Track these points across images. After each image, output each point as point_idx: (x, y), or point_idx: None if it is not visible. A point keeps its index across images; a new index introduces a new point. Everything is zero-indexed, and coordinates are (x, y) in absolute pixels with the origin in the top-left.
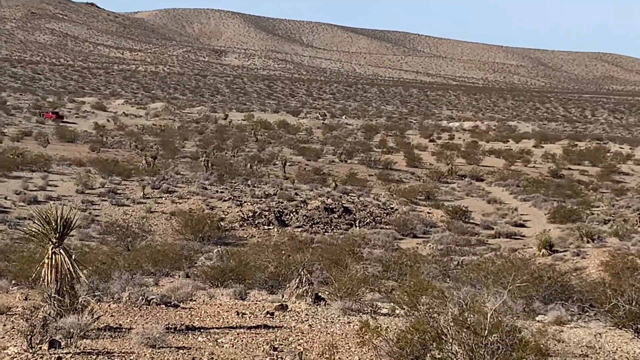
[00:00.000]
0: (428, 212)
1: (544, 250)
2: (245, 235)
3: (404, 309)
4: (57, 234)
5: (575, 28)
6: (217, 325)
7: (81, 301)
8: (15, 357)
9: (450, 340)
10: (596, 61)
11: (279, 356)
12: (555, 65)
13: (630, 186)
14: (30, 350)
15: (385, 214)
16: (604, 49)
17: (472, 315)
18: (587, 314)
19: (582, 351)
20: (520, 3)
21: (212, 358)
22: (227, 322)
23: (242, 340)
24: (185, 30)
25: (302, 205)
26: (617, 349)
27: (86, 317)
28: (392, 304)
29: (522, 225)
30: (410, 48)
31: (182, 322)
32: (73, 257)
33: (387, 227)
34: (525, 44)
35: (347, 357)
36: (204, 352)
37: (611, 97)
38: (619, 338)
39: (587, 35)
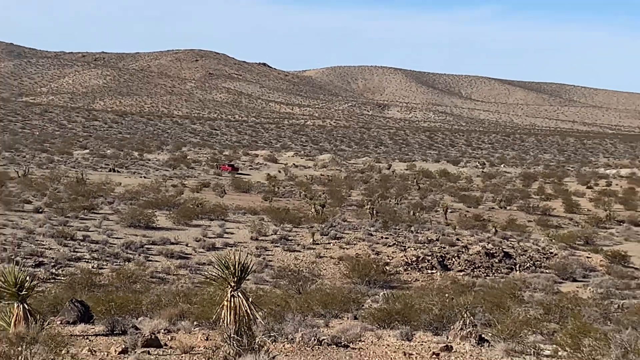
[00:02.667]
0: (587, 257)
1: None
2: (409, 279)
3: (566, 350)
4: (235, 278)
5: None
6: None
7: (258, 341)
8: None
9: None
10: None
11: None
12: None
13: None
14: None
15: (545, 259)
16: None
17: (635, 357)
18: None
19: None
20: None
21: None
22: None
23: None
24: (350, 86)
25: (464, 250)
26: None
27: (263, 357)
28: (554, 345)
29: None
30: (566, 99)
31: None
32: (250, 299)
33: (547, 271)
34: None
35: None
36: None
37: None
38: None
39: None
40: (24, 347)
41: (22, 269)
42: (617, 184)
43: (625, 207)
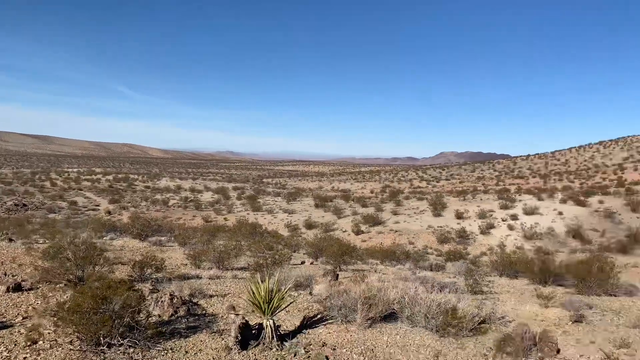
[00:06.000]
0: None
1: None
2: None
3: (48, 240)
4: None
5: None
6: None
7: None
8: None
9: (67, 247)
10: None
11: None
12: None
13: None
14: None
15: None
16: None
17: (77, 240)
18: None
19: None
20: None
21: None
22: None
23: None
24: None
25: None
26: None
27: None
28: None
29: None
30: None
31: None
32: None
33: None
34: None
35: (22, 258)
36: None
37: None
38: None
39: None
40: None
41: None
42: None
43: None
